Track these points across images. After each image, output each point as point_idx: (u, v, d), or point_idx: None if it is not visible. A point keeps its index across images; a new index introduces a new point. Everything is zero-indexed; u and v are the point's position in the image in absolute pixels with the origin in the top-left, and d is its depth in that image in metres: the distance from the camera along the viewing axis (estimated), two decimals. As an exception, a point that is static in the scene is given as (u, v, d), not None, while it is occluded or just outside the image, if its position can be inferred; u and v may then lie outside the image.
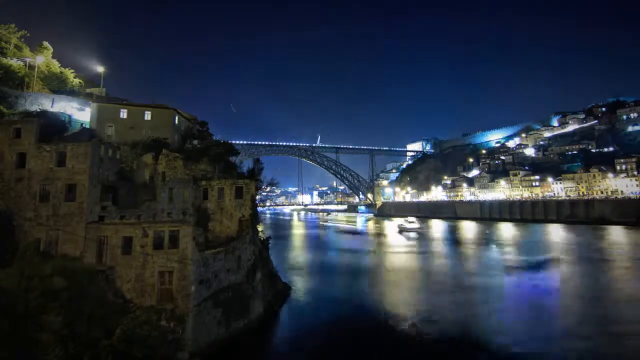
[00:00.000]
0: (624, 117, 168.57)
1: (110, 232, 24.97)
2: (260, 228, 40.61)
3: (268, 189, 64.02)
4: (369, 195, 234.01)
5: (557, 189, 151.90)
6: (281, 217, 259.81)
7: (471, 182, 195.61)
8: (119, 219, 27.24)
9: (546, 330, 29.81)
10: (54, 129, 30.92)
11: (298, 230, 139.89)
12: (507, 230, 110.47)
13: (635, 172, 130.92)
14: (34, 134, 26.88)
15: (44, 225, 25.22)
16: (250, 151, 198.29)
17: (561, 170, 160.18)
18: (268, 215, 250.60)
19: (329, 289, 45.47)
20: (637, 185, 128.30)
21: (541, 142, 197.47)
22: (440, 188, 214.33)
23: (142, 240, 24.51)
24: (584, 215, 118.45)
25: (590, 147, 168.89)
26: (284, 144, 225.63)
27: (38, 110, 36.47)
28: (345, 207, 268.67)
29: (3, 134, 26.87)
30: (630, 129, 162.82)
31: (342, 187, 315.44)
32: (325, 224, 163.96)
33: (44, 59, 49.81)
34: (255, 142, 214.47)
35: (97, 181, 27.37)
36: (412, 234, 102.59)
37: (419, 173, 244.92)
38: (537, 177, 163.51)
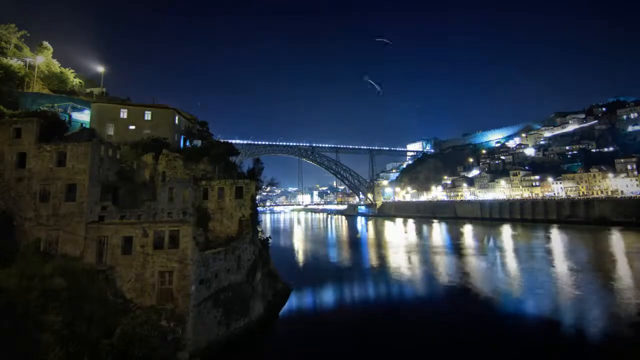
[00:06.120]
0: (624, 117, 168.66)
1: (111, 232, 24.96)
2: (259, 228, 40.59)
3: (268, 189, 64.02)
4: (369, 195, 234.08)
5: (557, 188, 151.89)
6: (281, 217, 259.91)
7: (471, 182, 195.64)
8: (119, 219, 27.28)
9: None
10: (54, 129, 30.89)
11: (298, 230, 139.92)
12: (511, 234, 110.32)
13: (636, 172, 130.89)
14: (34, 134, 26.87)
15: (44, 225, 25.22)
16: (250, 151, 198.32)
17: (561, 170, 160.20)
18: (268, 215, 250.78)
19: (328, 288, 45.49)
20: (637, 185, 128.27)
21: (541, 142, 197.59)
22: (440, 188, 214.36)
23: (142, 240, 24.50)
24: (584, 215, 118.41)
25: (590, 147, 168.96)
26: (284, 144, 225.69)
27: (38, 110, 36.48)
28: (345, 207, 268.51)
29: (3, 134, 26.87)
30: (630, 129, 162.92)
31: (342, 187, 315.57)
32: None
33: (44, 59, 49.87)
34: (255, 142, 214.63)
35: (97, 181, 27.37)
36: None
37: (419, 173, 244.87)
38: (537, 177, 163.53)
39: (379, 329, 31.17)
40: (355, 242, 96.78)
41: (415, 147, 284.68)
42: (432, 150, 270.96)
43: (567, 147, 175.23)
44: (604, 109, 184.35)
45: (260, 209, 47.38)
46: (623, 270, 50.80)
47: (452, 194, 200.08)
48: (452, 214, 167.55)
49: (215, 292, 26.52)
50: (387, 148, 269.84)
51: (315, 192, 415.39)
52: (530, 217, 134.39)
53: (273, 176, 50.73)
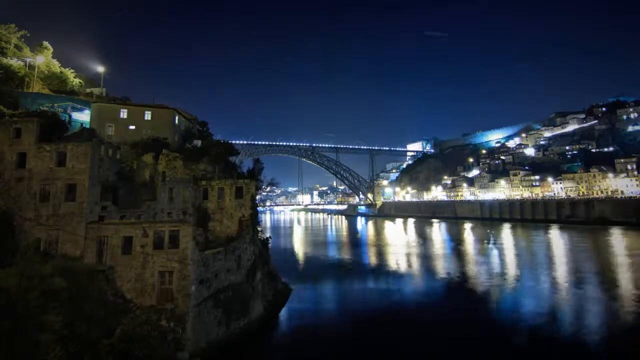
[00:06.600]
0: (624, 117, 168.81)
1: (111, 232, 24.96)
2: (259, 228, 40.58)
3: (268, 189, 63.95)
4: (369, 195, 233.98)
5: (557, 188, 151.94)
6: (281, 217, 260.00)
7: (471, 182, 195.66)
8: (119, 219, 27.30)
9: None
10: (54, 129, 30.89)
11: (298, 230, 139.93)
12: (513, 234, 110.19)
13: (636, 172, 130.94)
14: (34, 134, 26.88)
15: (44, 225, 25.23)
16: (250, 151, 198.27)
17: (561, 170, 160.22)
18: (268, 215, 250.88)
19: (329, 288, 45.54)
20: (637, 185, 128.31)
21: (541, 142, 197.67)
22: (440, 188, 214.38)
23: (142, 240, 24.50)
24: (584, 216, 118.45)
25: (590, 147, 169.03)
26: (284, 144, 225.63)
27: (38, 110, 36.46)
28: (345, 207, 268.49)
29: (3, 134, 26.88)
30: (630, 128, 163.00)
31: (342, 187, 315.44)
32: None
33: (44, 59, 49.81)
34: (255, 142, 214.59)
35: (97, 181, 27.38)
36: None
37: (419, 173, 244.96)
38: (537, 177, 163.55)
39: (379, 329, 31.13)
40: (355, 242, 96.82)
41: (415, 147, 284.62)
42: (432, 150, 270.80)
43: (567, 147, 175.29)
44: (604, 109, 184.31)
45: (260, 208, 47.33)
46: (623, 270, 50.82)
47: (452, 194, 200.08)
48: (452, 214, 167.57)
49: (215, 292, 26.52)
50: (387, 148, 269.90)
51: (315, 192, 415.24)
52: (530, 217, 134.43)
53: (273, 176, 50.61)
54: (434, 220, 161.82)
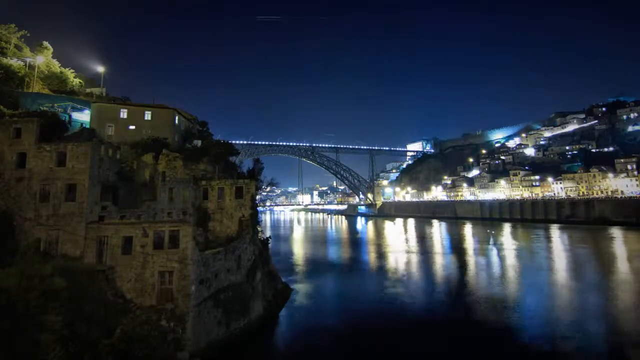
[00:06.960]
0: (624, 117, 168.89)
1: (111, 232, 24.96)
2: (259, 228, 40.56)
3: (268, 189, 63.95)
4: (369, 195, 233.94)
5: (557, 188, 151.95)
6: (281, 217, 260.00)
7: (471, 182, 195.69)
8: (119, 219, 27.29)
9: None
10: (54, 129, 30.87)
11: (298, 230, 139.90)
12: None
13: (636, 172, 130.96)
14: (34, 134, 26.88)
15: (44, 225, 25.22)
16: (250, 151, 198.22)
17: (561, 170, 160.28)
18: (268, 215, 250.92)
19: (329, 288, 45.52)
20: (637, 185, 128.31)
21: (541, 142, 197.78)
22: (440, 188, 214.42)
23: (142, 240, 24.49)
24: (584, 216, 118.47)
25: (590, 147, 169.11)
26: (284, 144, 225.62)
27: (38, 110, 36.45)
28: (345, 207, 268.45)
29: (3, 134, 26.87)
30: (630, 128, 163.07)
31: (342, 187, 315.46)
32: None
33: (44, 59, 49.80)
34: (255, 142, 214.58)
35: (97, 181, 27.38)
36: None
37: (419, 173, 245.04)
38: (537, 177, 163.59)
39: (379, 329, 31.10)
40: (355, 242, 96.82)
41: (415, 147, 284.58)
42: (432, 150, 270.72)
43: (567, 147, 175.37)
44: (604, 109, 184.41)
45: (260, 208, 47.30)
46: (623, 270, 50.80)
47: (452, 194, 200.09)
48: (452, 214, 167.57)
49: (215, 292, 26.51)
50: (387, 148, 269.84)
51: (315, 192, 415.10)
52: (530, 217, 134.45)
53: (273, 176, 50.56)
54: (434, 220, 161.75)
